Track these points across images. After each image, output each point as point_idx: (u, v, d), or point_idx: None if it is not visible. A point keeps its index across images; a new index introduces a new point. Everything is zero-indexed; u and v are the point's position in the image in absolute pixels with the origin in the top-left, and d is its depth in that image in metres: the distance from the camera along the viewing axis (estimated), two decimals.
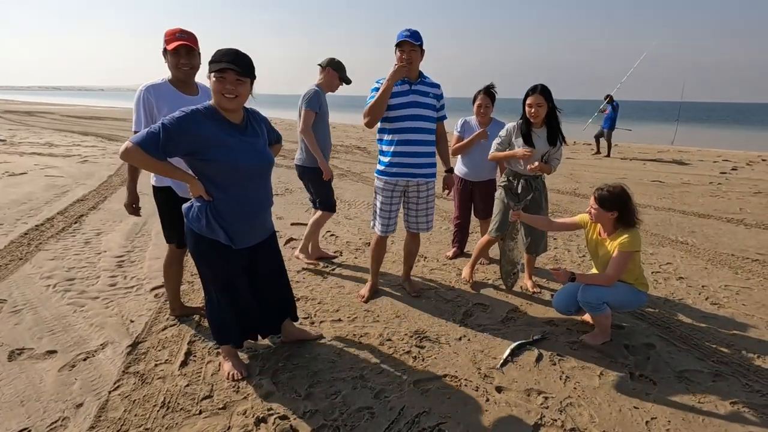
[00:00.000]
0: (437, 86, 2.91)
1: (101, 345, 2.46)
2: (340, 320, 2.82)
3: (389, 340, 2.60)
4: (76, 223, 4.61)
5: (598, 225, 2.66)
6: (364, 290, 3.15)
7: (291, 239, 4.34)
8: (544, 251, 3.37)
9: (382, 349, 2.50)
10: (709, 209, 5.99)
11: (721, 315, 3.02)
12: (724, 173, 9.13)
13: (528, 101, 2.99)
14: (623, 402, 2.11)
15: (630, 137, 15.01)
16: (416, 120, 2.80)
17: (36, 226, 4.43)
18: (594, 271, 2.81)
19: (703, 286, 3.48)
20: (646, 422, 1.98)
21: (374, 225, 3.03)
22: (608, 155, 11.40)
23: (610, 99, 11.18)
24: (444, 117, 3.00)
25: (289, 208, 5.55)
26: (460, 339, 2.64)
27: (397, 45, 2.70)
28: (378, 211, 2.96)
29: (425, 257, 3.95)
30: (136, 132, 2.24)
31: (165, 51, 2.36)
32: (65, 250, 3.85)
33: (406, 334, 2.66)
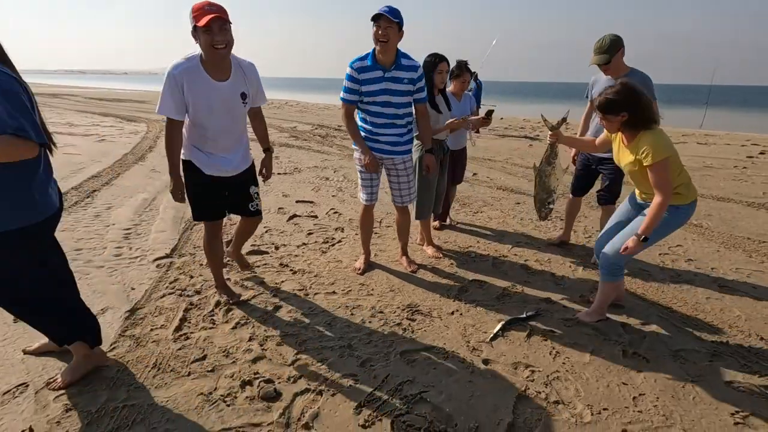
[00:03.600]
0: (414, 69, 2.75)
1: (101, 310, 2.55)
2: (334, 293, 2.84)
3: (381, 312, 2.61)
4: (88, 197, 4.75)
5: (620, 134, 2.33)
6: (359, 263, 3.17)
7: (295, 215, 4.38)
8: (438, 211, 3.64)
9: (372, 321, 2.51)
10: (729, 193, 5.75)
11: (727, 297, 2.92)
12: (751, 157, 8.72)
13: (440, 68, 3.20)
14: (612, 378, 2.08)
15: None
16: (387, 106, 2.78)
17: None
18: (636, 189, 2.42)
19: (712, 269, 3.36)
20: (633, 398, 1.95)
21: (360, 195, 3.07)
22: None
23: (475, 77, 11.40)
24: (423, 99, 2.89)
25: (296, 186, 5.58)
26: (452, 313, 2.62)
27: (373, 19, 2.57)
28: (360, 181, 3.01)
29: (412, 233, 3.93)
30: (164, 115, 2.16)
31: (195, 29, 2.08)
32: (76, 222, 3.97)
33: (398, 308, 2.66)
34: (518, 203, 5.05)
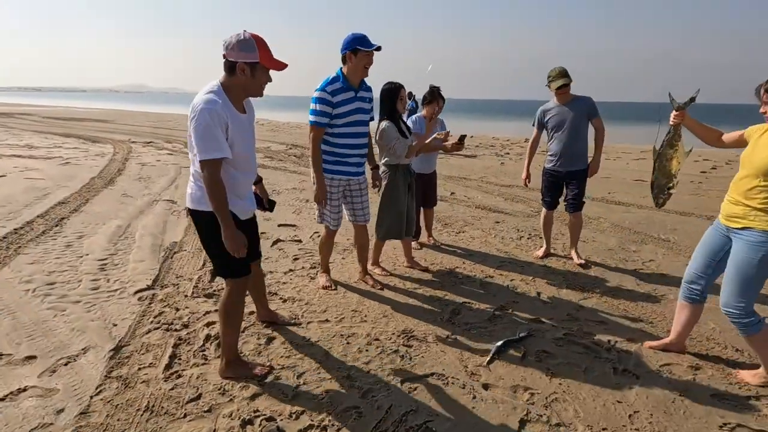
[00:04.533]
0: (370, 89, 3.06)
1: (83, 350, 2.41)
2: (327, 321, 2.81)
3: (377, 339, 2.60)
4: (57, 226, 4.51)
5: None
6: (324, 281, 3.29)
7: (278, 240, 4.32)
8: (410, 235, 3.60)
9: (369, 349, 2.50)
10: (690, 207, 6.12)
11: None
12: (704, 172, 9.34)
13: (401, 94, 3.30)
14: (607, 396, 2.15)
15: (615, 138, 15.26)
16: (357, 125, 2.96)
17: (15, 229, 4.32)
18: (731, 197, 2.19)
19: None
20: (629, 416, 2.01)
21: (322, 220, 3.13)
22: None
23: (411, 96, 11.73)
24: (372, 118, 3.14)
25: (277, 209, 5.50)
26: (447, 337, 2.65)
27: (367, 47, 2.79)
28: (330, 207, 3.08)
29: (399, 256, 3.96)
30: (212, 159, 1.87)
31: (253, 65, 1.92)
32: (45, 253, 3.76)
33: (393, 334, 2.66)
34: (498, 222, 5.18)
